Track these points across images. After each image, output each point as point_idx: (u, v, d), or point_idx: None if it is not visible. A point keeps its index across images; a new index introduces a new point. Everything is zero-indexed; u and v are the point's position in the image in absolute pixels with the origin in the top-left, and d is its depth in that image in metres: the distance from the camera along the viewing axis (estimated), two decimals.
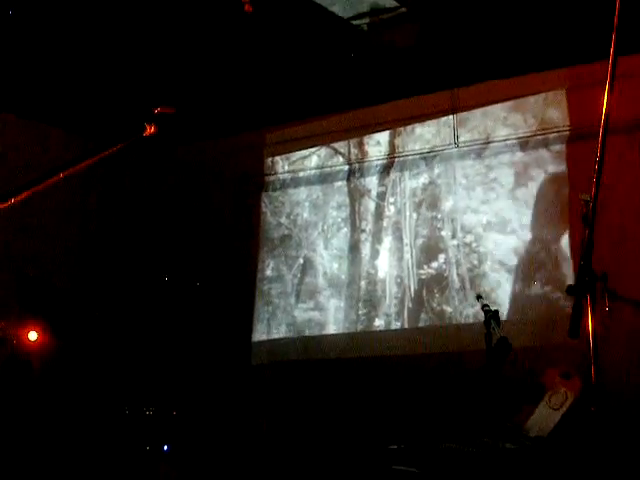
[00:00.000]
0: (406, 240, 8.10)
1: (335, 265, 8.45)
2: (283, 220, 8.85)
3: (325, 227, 8.57)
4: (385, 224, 8.26)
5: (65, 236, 8.45)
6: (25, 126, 8.24)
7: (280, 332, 8.60)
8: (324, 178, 8.65)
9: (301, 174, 8.81)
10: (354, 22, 7.09)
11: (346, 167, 8.55)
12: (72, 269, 8.41)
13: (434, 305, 7.83)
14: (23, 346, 7.30)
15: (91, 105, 8.20)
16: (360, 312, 8.22)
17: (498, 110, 7.81)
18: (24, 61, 7.43)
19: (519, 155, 7.65)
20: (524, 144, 7.62)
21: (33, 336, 7.35)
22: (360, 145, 8.49)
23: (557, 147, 7.51)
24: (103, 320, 8.22)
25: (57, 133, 8.41)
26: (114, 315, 8.36)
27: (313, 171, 8.73)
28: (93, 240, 8.65)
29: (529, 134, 7.60)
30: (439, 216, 7.96)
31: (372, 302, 8.17)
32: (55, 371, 7.54)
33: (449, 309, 7.74)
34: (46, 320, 7.45)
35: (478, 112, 7.91)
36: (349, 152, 8.55)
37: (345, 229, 8.47)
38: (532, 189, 7.54)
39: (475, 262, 7.71)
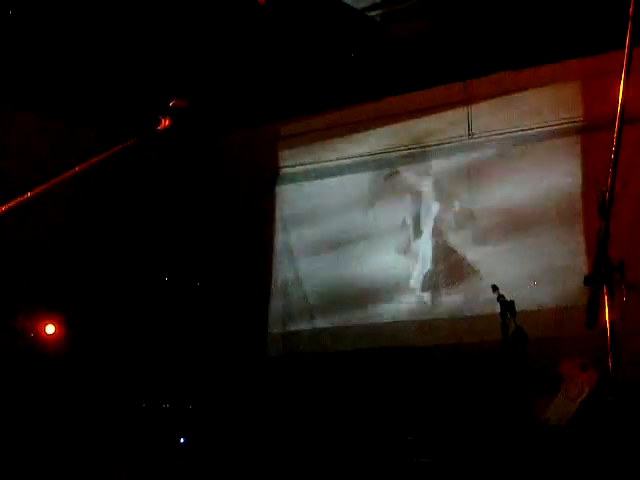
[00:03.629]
0: (425, 232, 8.11)
1: (351, 257, 8.45)
2: (298, 213, 8.85)
3: (342, 219, 8.57)
4: (403, 216, 8.25)
5: (80, 229, 8.47)
6: (40, 122, 8.27)
7: (295, 325, 8.62)
8: (340, 170, 8.65)
9: (316, 166, 8.81)
10: (368, 13, 7.08)
11: (361, 159, 8.55)
12: (88, 262, 8.44)
13: (450, 296, 7.83)
14: (40, 339, 7.34)
15: (106, 99, 8.21)
16: (376, 304, 8.22)
17: (512, 101, 7.78)
18: (40, 59, 7.45)
19: (534, 146, 7.62)
20: (539, 135, 7.59)
21: (50, 329, 7.40)
22: (375, 137, 8.49)
23: (572, 138, 7.48)
24: (119, 314, 8.25)
25: (72, 130, 8.42)
26: (131, 309, 8.38)
27: (328, 163, 8.73)
28: (107, 233, 8.67)
29: (544, 125, 7.57)
30: (455, 208, 7.95)
31: (389, 294, 8.17)
32: (72, 365, 7.59)
33: (465, 300, 7.73)
34: (63, 314, 7.49)
35: (492, 103, 7.88)
36: (363, 144, 8.55)
37: (360, 221, 8.47)
38: (547, 179, 7.52)
39: (491, 252, 7.70)
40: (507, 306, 5.62)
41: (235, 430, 7.74)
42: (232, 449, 7.49)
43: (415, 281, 8.04)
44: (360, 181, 8.54)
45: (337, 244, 8.53)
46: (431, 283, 7.97)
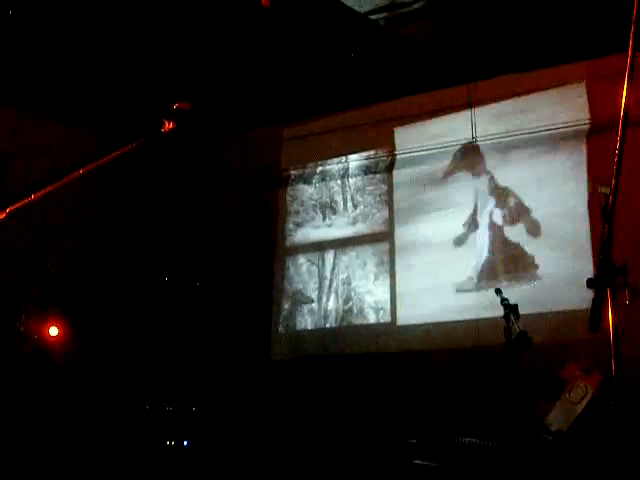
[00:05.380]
0: (429, 233, 8.10)
1: (355, 258, 8.45)
2: (301, 215, 8.85)
3: (345, 222, 8.58)
4: (405, 220, 8.25)
5: (83, 231, 8.48)
6: (47, 124, 8.29)
7: (300, 327, 8.61)
8: (343, 173, 8.65)
9: (319, 169, 8.81)
10: (371, 17, 7.08)
11: (365, 162, 8.55)
12: (91, 264, 8.45)
13: (454, 300, 7.81)
14: (44, 341, 7.35)
15: (110, 102, 8.23)
16: (380, 307, 8.22)
17: (516, 104, 7.77)
18: (48, 62, 7.47)
19: (538, 149, 7.61)
20: (542, 138, 7.59)
21: (54, 331, 7.41)
22: (379, 139, 8.49)
23: (576, 140, 7.47)
24: (123, 315, 8.25)
25: (80, 132, 8.43)
26: (134, 311, 8.39)
27: (332, 166, 8.73)
28: (111, 235, 8.67)
29: (548, 128, 7.56)
30: (460, 213, 7.92)
31: (393, 297, 8.16)
32: (76, 366, 7.59)
33: (468, 303, 7.71)
34: (67, 315, 7.49)
35: (496, 106, 7.88)
36: (367, 147, 8.55)
37: (362, 224, 8.47)
38: (551, 182, 7.51)
39: (493, 255, 7.69)
40: (511, 309, 5.59)
41: (238, 432, 7.74)
42: (235, 451, 7.48)
43: (421, 285, 8.02)
44: (362, 183, 8.54)
45: (340, 246, 8.54)
46: (434, 288, 7.93)
